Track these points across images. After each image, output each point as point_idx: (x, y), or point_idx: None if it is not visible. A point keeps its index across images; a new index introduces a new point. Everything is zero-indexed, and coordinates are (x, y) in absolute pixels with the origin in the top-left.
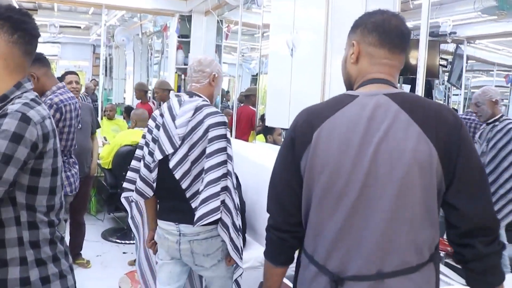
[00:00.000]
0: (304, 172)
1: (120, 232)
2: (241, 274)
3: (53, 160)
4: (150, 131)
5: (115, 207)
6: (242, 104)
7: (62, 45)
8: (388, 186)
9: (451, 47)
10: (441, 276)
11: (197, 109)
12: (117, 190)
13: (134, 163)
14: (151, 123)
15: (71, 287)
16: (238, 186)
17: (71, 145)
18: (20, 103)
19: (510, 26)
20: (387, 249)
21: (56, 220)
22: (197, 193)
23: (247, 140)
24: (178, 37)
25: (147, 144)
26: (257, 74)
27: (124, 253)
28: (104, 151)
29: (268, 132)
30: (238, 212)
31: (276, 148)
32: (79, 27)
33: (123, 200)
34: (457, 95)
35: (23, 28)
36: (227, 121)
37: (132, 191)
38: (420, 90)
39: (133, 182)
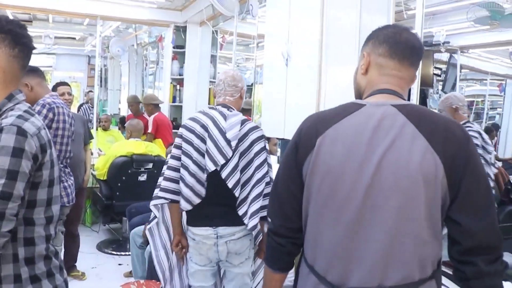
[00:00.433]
0: (305, 178)
1: (115, 244)
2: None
3: (50, 171)
4: (189, 142)
5: (110, 218)
6: None
7: (57, 56)
8: (392, 198)
9: (445, 56)
10: None
11: (242, 123)
12: (112, 201)
13: (169, 172)
14: (188, 134)
15: None
16: None
17: (65, 153)
18: (13, 116)
19: (503, 35)
20: (390, 263)
21: (53, 234)
22: (245, 199)
23: None
24: (173, 47)
25: (188, 155)
26: (252, 84)
27: (119, 264)
28: (99, 162)
29: None
30: None
31: (271, 158)
32: (74, 38)
33: (152, 208)
34: None
35: (23, 43)
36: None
37: (166, 199)
38: (414, 100)
39: (169, 191)
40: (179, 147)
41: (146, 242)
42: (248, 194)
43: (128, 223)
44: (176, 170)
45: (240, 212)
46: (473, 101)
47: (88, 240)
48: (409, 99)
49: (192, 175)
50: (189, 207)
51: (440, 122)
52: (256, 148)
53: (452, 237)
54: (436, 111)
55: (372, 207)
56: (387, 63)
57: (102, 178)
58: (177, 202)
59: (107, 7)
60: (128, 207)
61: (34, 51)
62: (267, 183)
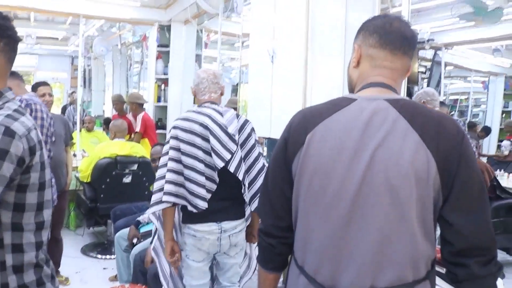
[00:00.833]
0: (295, 175)
1: (100, 247)
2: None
3: (40, 174)
4: (189, 143)
5: (94, 221)
6: None
7: (39, 56)
8: (383, 196)
9: (429, 54)
10: None
11: (237, 116)
12: (97, 204)
13: (172, 175)
14: (186, 135)
15: None
16: None
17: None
18: (2, 115)
19: (486, 32)
20: (382, 263)
21: (45, 240)
22: (250, 185)
23: None
24: (158, 46)
25: (191, 156)
26: (237, 84)
27: (104, 268)
28: (83, 164)
29: None
30: None
31: None
32: (57, 38)
33: (151, 217)
34: None
35: (9, 35)
36: None
37: (169, 203)
38: None
39: (172, 194)
40: (177, 149)
41: (131, 245)
42: (252, 182)
43: (112, 226)
44: (179, 173)
45: (248, 199)
46: (457, 99)
47: (72, 244)
48: None
49: (202, 173)
50: (206, 206)
51: (434, 117)
52: (252, 140)
53: (444, 238)
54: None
55: (363, 206)
56: (378, 54)
57: (85, 180)
58: (175, 205)
59: (90, 5)
60: (112, 210)
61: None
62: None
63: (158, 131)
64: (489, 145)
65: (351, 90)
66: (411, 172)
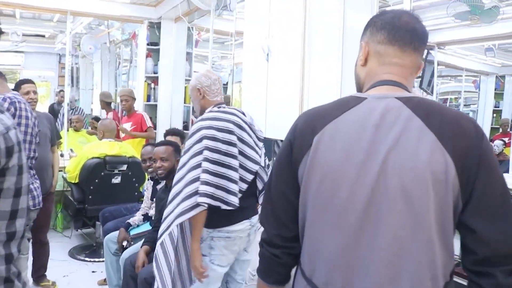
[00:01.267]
0: (301, 180)
1: (88, 250)
2: None
3: (17, 179)
4: (230, 143)
5: (82, 223)
6: None
7: (25, 54)
8: (398, 202)
9: None
10: None
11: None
12: (85, 205)
13: (209, 177)
14: (225, 135)
15: None
16: None
17: (29, 153)
18: None
19: (480, 31)
20: (398, 275)
21: (15, 253)
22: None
23: None
24: (147, 44)
25: (232, 156)
26: (227, 83)
27: (93, 272)
28: (70, 165)
29: None
30: None
31: None
32: (44, 36)
33: (174, 228)
34: None
35: None
36: None
37: (205, 206)
38: None
39: (209, 196)
40: (213, 149)
41: (121, 249)
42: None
43: (102, 229)
44: (215, 174)
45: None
46: (447, 98)
47: (59, 247)
48: None
49: (237, 171)
50: (238, 203)
51: (450, 116)
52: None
53: (466, 245)
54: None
55: (376, 212)
56: (387, 51)
57: (73, 181)
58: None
59: (78, 2)
60: (101, 212)
61: (0, 49)
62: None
63: None
64: None
65: (359, 89)
66: (428, 175)
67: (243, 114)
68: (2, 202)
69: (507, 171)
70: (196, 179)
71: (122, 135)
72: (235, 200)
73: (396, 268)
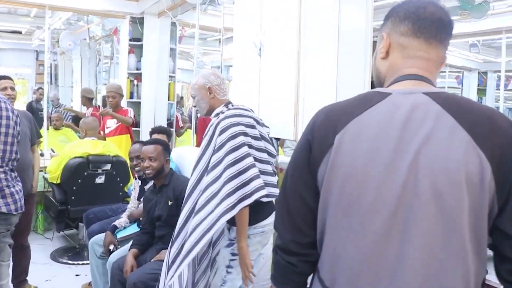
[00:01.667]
0: (321, 183)
1: (71, 252)
2: None
3: None
4: (257, 138)
5: (65, 225)
6: None
7: (1, 51)
8: (429, 205)
9: None
10: None
11: None
12: (67, 207)
13: (255, 170)
14: (253, 131)
15: None
16: None
17: (11, 154)
18: None
19: (465, 26)
20: (428, 285)
21: None
22: None
23: None
24: (130, 40)
25: (262, 150)
26: None
27: (77, 275)
28: (52, 165)
29: None
30: None
31: None
32: (20, 32)
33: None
34: None
35: None
36: None
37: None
38: None
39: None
40: (249, 144)
41: (108, 252)
42: None
43: (86, 231)
44: (264, 162)
45: None
46: None
47: (41, 249)
48: None
49: (269, 163)
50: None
51: (484, 112)
52: None
53: (502, 253)
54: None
55: (405, 217)
56: (411, 43)
57: (55, 182)
58: None
59: None
60: (85, 213)
61: None
62: None
63: (133, 128)
64: None
65: (379, 83)
66: (462, 176)
67: (252, 111)
68: None
69: None
70: (236, 175)
71: (106, 131)
72: (275, 191)
73: (426, 277)
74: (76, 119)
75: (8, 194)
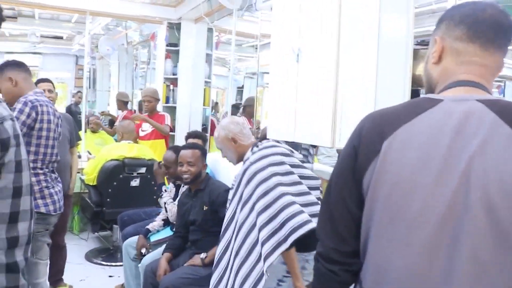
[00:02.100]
0: (367, 190)
1: (105, 253)
2: None
3: (14, 176)
4: (291, 173)
5: (100, 226)
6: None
7: (43, 55)
8: (481, 218)
9: None
10: None
11: None
12: (102, 208)
13: (310, 196)
14: (285, 167)
15: None
16: None
17: (51, 156)
18: None
19: None
20: None
21: (21, 261)
22: None
23: None
24: (167, 45)
25: (300, 183)
26: (243, 86)
27: (110, 276)
28: (89, 167)
29: None
30: None
31: None
32: (61, 37)
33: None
34: None
35: None
36: None
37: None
38: None
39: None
40: (285, 184)
41: (140, 255)
42: None
43: (120, 233)
44: (304, 194)
45: None
46: None
47: (76, 249)
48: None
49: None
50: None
51: None
52: None
53: None
54: None
55: (454, 229)
56: (467, 49)
57: (91, 183)
58: None
59: (97, 2)
60: (119, 215)
61: (18, 51)
62: None
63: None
64: None
65: (430, 90)
66: None
67: (278, 142)
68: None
69: None
70: (274, 216)
71: (141, 134)
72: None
73: None
74: (112, 122)
75: (48, 195)
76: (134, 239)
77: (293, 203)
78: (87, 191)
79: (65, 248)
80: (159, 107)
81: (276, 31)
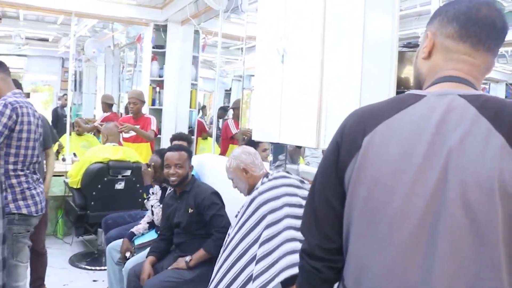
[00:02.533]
0: (348, 187)
1: (89, 257)
2: None
3: None
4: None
5: (84, 230)
6: (227, 119)
7: (28, 58)
8: (459, 215)
9: None
10: None
11: None
12: (87, 212)
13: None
14: (290, 199)
15: None
16: (222, 206)
17: (32, 158)
18: None
19: None
20: None
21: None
22: None
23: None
24: (153, 47)
25: None
26: (230, 89)
27: (94, 281)
28: (73, 169)
29: (251, 146)
30: None
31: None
32: (47, 40)
33: None
34: None
35: None
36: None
37: None
38: None
39: None
40: (292, 216)
41: (124, 259)
42: None
43: (104, 236)
44: None
45: None
46: None
47: (60, 254)
48: None
49: None
50: None
51: None
52: None
53: None
54: None
55: (432, 227)
56: (457, 47)
57: (75, 186)
58: None
59: (82, 3)
60: (104, 218)
61: (3, 52)
62: None
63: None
64: None
65: (418, 85)
66: (495, 185)
67: (288, 172)
68: None
69: None
70: (272, 251)
71: (125, 135)
72: None
73: None
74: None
75: (29, 196)
76: (118, 242)
77: (293, 239)
78: (71, 194)
79: (45, 255)
80: (145, 109)
81: (262, 33)
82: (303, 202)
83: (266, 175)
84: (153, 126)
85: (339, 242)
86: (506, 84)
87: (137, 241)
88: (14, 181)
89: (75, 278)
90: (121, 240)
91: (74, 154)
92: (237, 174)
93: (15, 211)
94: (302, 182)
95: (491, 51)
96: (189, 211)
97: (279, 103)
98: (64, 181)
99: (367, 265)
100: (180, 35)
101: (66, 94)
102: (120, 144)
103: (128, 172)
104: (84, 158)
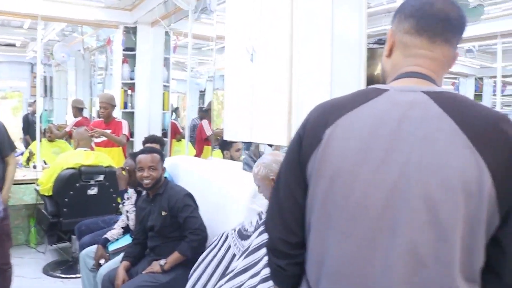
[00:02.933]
0: (310, 179)
1: (64, 265)
2: None
3: None
4: None
5: (57, 238)
6: (204, 120)
7: None
8: (419, 212)
9: None
10: None
11: None
12: (59, 219)
13: None
14: None
15: None
16: (196, 208)
17: None
18: None
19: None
20: None
21: None
22: None
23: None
24: (123, 50)
25: None
26: (205, 89)
27: None
28: (44, 176)
29: (225, 147)
30: None
31: (232, 165)
32: (14, 45)
33: None
34: None
35: None
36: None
37: None
38: None
39: None
40: None
41: (99, 265)
42: None
43: (77, 243)
44: None
45: None
46: None
47: (33, 263)
48: None
49: None
50: None
51: (489, 116)
52: None
53: (492, 267)
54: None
55: (393, 221)
56: (413, 41)
57: (46, 194)
58: None
59: (49, 6)
60: (77, 225)
61: None
62: None
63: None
64: None
65: (383, 84)
66: (458, 184)
67: None
68: None
69: None
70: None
71: (97, 140)
72: None
73: (412, 286)
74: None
75: None
76: (92, 248)
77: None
78: (42, 202)
79: (8, 272)
80: (117, 113)
81: (230, 32)
82: None
83: None
84: (125, 131)
85: (301, 235)
86: (475, 79)
87: (112, 247)
88: None
89: (49, 287)
90: (95, 246)
91: (44, 162)
92: (265, 183)
93: None
94: None
95: (449, 42)
96: (163, 214)
97: (249, 102)
98: (35, 189)
99: (326, 258)
100: (151, 37)
101: (36, 101)
102: (91, 149)
103: (101, 177)
104: (54, 164)
